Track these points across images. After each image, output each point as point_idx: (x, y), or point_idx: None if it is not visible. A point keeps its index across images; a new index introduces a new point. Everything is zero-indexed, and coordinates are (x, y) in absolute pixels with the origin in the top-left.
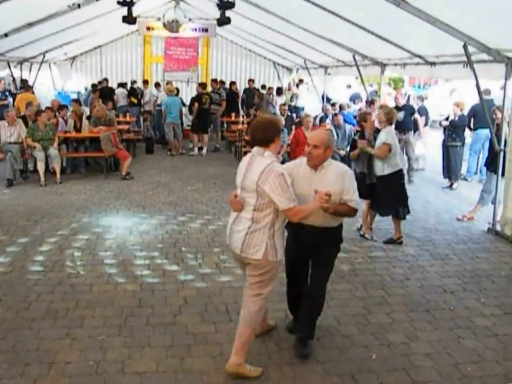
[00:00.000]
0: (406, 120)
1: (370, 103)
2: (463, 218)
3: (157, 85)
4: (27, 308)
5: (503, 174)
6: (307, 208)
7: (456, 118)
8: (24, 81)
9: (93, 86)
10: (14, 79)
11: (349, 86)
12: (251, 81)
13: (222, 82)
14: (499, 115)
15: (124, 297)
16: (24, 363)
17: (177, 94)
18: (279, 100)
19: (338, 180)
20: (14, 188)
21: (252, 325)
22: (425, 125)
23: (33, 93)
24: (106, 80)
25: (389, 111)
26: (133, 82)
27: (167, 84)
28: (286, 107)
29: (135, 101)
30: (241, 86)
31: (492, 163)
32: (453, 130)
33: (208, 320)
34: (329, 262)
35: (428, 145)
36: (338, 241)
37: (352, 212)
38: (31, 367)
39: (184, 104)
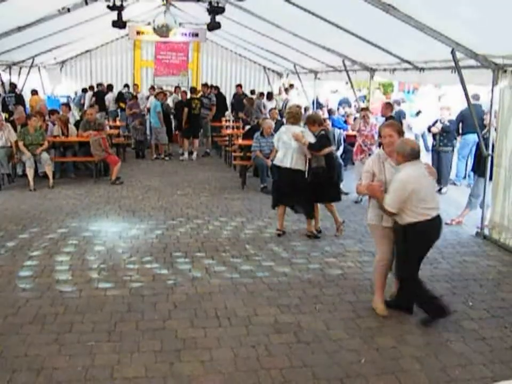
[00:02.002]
0: None
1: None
2: (452, 222)
3: (152, 88)
4: (15, 313)
5: (490, 178)
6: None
7: (447, 123)
8: (12, 85)
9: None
10: (2, 83)
11: (335, 91)
12: (239, 86)
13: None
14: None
15: (113, 303)
16: (12, 369)
17: (159, 98)
18: (269, 105)
19: None
20: (2, 192)
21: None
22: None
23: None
24: (101, 84)
25: (288, 111)
26: (125, 86)
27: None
28: (277, 111)
29: (123, 105)
30: (231, 91)
31: (479, 167)
32: (445, 135)
33: (197, 325)
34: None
35: None
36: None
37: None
38: (18, 373)
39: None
